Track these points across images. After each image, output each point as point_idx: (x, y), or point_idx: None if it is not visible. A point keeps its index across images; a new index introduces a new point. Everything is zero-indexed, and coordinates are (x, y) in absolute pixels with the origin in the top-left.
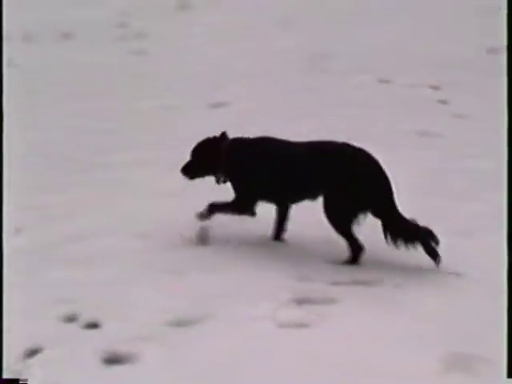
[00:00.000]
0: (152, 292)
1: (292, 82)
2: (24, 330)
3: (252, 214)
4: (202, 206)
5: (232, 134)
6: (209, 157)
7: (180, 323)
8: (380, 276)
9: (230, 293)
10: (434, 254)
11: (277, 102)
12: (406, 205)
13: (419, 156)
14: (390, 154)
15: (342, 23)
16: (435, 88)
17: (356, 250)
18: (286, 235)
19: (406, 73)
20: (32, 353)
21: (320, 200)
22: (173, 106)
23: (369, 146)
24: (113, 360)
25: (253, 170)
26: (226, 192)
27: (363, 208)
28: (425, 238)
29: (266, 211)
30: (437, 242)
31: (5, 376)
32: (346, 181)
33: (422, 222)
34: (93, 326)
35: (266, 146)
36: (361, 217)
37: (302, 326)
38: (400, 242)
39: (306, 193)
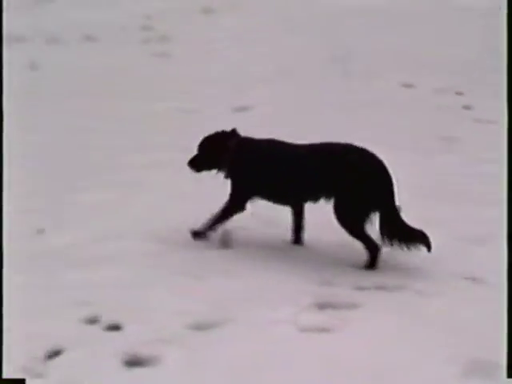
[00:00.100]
0: (173, 295)
1: (315, 86)
2: (45, 331)
3: (243, 209)
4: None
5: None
6: (215, 151)
7: (200, 326)
8: (402, 281)
9: (251, 296)
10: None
11: (300, 106)
12: (423, 208)
13: (439, 160)
14: (411, 158)
15: (366, 26)
16: (459, 93)
17: (373, 250)
18: (308, 239)
19: (430, 77)
20: (53, 354)
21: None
22: (194, 109)
23: (390, 150)
24: (134, 362)
25: (256, 170)
26: None
27: (373, 207)
28: (418, 241)
29: (288, 215)
30: (429, 248)
31: (26, 377)
32: (354, 181)
33: (439, 227)
34: (114, 328)
35: (271, 147)
36: (371, 216)
37: (323, 330)
38: (395, 242)
39: (309, 194)
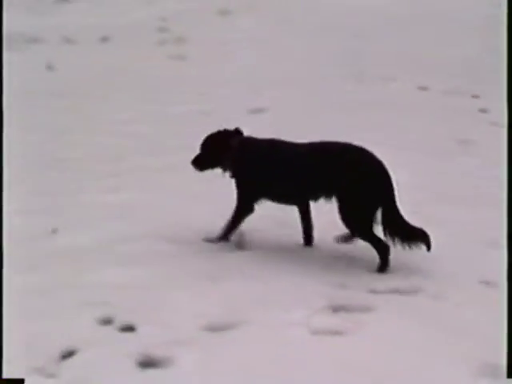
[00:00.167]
0: (187, 296)
1: (330, 88)
2: (59, 331)
3: (252, 211)
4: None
5: None
6: (218, 150)
7: (215, 328)
8: (416, 285)
9: (265, 298)
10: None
11: (315, 109)
12: (439, 210)
13: (455, 163)
14: (426, 161)
15: (382, 28)
16: (475, 96)
17: (383, 250)
18: (321, 240)
19: (445, 79)
20: (67, 355)
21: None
22: (211, 111)
23: (405, 153)
24: (147, 363)
25: (257, 169)
26: None
27: (375, 206)
28: (419, 240)
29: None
30: (428, 247)
31: (39, 377)
32: (355, 181)
33: (455, 229)
34: (128, 329)
35: (272, 146)
36: (375, 215)
37: (336, 333)
38: (397, 240)
39: (309, 193)
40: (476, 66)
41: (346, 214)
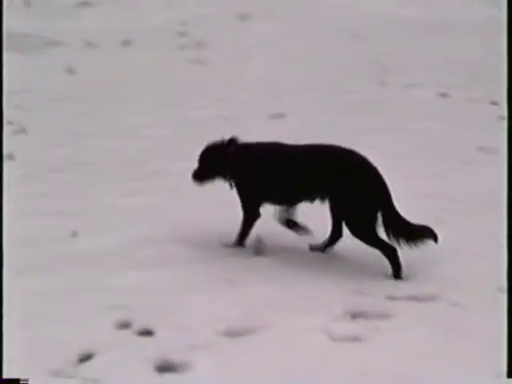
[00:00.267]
0: (205, 301)
1: (352, 95)
2: (78, 334)
3: (258, 216)
4: None
5: None
6: (215, 160)
7: (232, 333)
8: (435, 292)
9: (283, 304)
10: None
11: (336, 115)
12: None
13: (474, 170)
14: (446, 168)
15: (402, 35)
16: (494, 103)
17: (390, 253)
18: (339, 246)
19: (464, 86)
20: (85, 358)
21: None
22: (231, 116)
23: (425, 160)
24: (165, 368)
25: (254, 174)
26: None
27: (375, 208)
28: (425, 236)
29: (321, 224)
30: (436, 239)
31: (57, 379)
32: (354, 183)
33: (471, 236)
34: (146, 333)
35: (268, 150)
36: (377, 219)
37: (355, 340)
38: (402, 241)
39: (304, 195)
40: (495, 73)
41: (350, 219)
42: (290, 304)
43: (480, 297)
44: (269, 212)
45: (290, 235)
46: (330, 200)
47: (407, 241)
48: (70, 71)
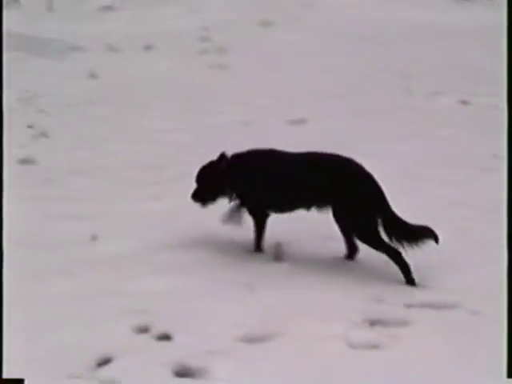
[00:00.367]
0: (224, 306)
1: (374, 102)
2: (96, 338)
3: (265, 216)
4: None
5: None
6: (213, 179)
7: (251, 339)
8: (452, 300)
9: (302, 310)
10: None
11: (358, 121)
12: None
13: (494, 178)
14: (469, 176)
15: (426, 43)
16: None
17: (395, 256)
18: (361, 255)
19: (485, 93)
20: (103, 362)
21: None
22: (251, 121)
23: (450, 168)
24: (183, 373)
25: (252, 181)
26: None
27: (376, 212)
28: (426, 237)
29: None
30: (436, 239)
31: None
32: (353, 190)
33: (490, 245)
34: (164, 337)
35: (261, 157)
36: (377, 222)
37: (373, 347)
38: (404, 243)
39: (300, 203)
40: None
41: (355, 224)
42: (308, 310)
43: (499, 305)
44: (288, 219)
45: (310, 242)
46: (332, 208)
47: (409, 242)
48: (92, 76)
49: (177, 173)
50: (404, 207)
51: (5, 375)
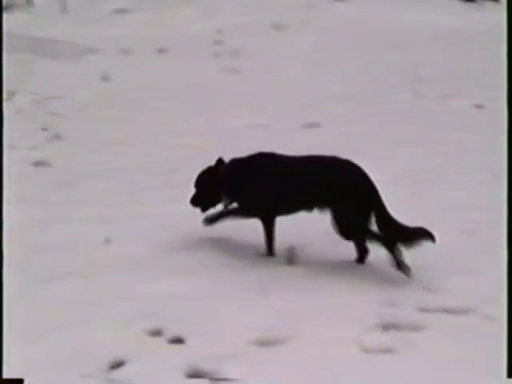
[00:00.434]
0: (237, 310)
1: (388, 105)
2: (109, 341)
3: (272, 216)
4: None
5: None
6: (211, 184)
7: (263, 342)
8: (467, 305)
9: (316, 314)
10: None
11: (372, 125)
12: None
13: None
14: (481, 181)
15: (439, 47)
16: None
17: (387, 243)
18: (371, 258)
19: (499, 97)
20: (116, 365)
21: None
22: (264, 125)
23: (461, 172)
24: (195, 376)
25: (250, 186)
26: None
27: (369, 209)
28: (421, 237)
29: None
30: (433, 239)
31: None
32: (350, 192)
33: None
34: (177, 341)
35: (258, 161)
36: (370, 217)
37: (387, 351)
38: (400, 243)
39: (299, 205)
40: None
41: (341, 222)
42: (321, 314)
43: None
44: (299, 223)
45: (323, 246)
46: (330, 211)
47: (404, 243)
48: (106, 78)
49: (190, 176)
50: (413, 210)
51: (13, 375)
